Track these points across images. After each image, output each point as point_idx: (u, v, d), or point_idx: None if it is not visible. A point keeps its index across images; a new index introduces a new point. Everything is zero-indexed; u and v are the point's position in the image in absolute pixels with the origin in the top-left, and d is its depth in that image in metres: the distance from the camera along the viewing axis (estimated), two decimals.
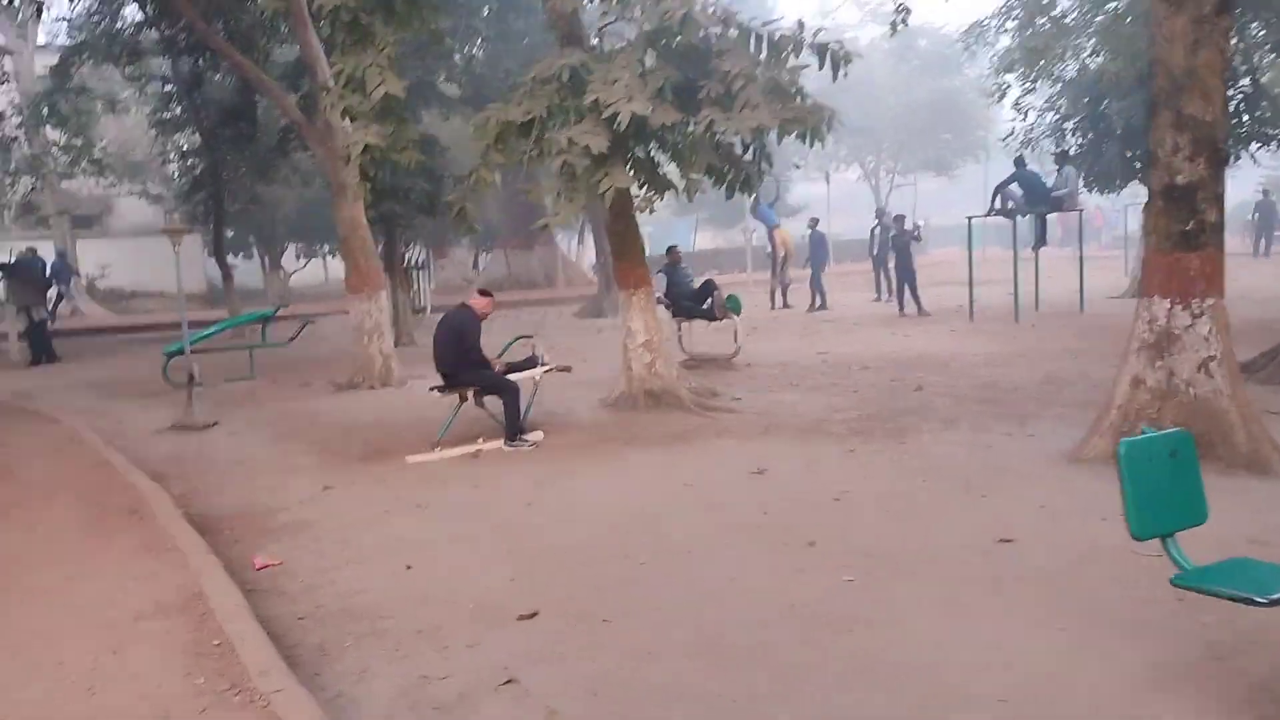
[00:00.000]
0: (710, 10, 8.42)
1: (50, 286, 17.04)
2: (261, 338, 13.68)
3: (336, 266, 43.31)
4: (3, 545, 5.55)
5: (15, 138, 20.32)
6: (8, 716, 3.44)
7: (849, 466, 6.97)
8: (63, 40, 20.98)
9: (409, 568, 5.35)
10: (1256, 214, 28.60)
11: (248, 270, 29.69)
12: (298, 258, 34.57)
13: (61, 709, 3.45)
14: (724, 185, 9.29)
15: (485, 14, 16.17)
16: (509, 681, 3.79)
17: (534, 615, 4.47)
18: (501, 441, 8.23)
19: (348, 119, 10.34)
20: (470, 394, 8.40)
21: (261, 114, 17.20)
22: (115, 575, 4.92)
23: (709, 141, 8.53)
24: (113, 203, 31.26)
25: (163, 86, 19.90)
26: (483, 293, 8.56)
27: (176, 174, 22.06)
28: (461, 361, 8.26)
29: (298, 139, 15.68)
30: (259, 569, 5.46)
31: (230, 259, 34.73)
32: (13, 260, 16.71)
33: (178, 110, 19.62)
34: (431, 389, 8.58)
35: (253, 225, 26.72)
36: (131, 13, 18.33)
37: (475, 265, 32.84)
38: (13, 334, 16.92)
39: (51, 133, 21.61)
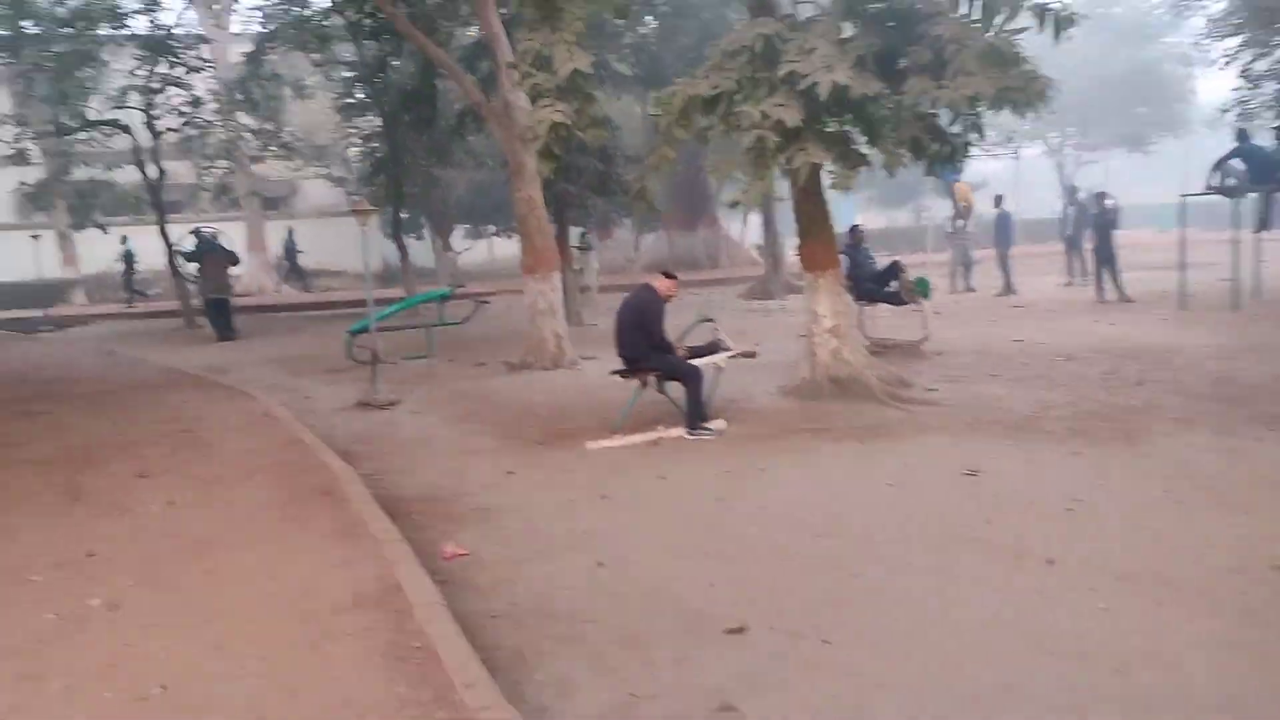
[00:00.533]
0: None
1: (235, 264, 17.85)
2: (438, 317, 13.84)
3: (502, 246, 44.30)
4: (207, 523, 5.58)
5: (213, 123, 21.36)
6: (219, 712, 3.32)
7: (1077, 471, 6.27)
8: (255, 29, 21.99)
9: (601, 565, 5.07)
10: None
11: (419, 250, 30.55)
12: (465, 238, 35.43)
13: (270, 710, 3.31)
14: (926, 159, 8.62)
15: None
16: (726, 708, 3.43)
17: (742, 630, 4.10)
18: (682, 429, 7.90)
19: (528, 99, 10.27)
20: (651, 379, 8.11)
21: (440, 97, 17.42)
22: (312, 561, 4.83)
23: (913, 112, 7.90)
24: (298, 185, 32.76)
25: (347, 72, 20.52)
26: (666, 274, 8.23)
27: (358, 157, 22.74)
28: (643, 345, 7.97)
29: (475, 120, 15.81)
30: (448, 558, 5.30)
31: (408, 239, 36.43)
32: (198, 243, 17.58)
33: (360, 95, 20.19)
34: (612, 373, 8.33)
35: (425, 207, 27.39)
36: (320, 0, 18.96)
37: (637, 246, 32.76)
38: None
39: (244, 118, 22.65)
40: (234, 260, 17.82)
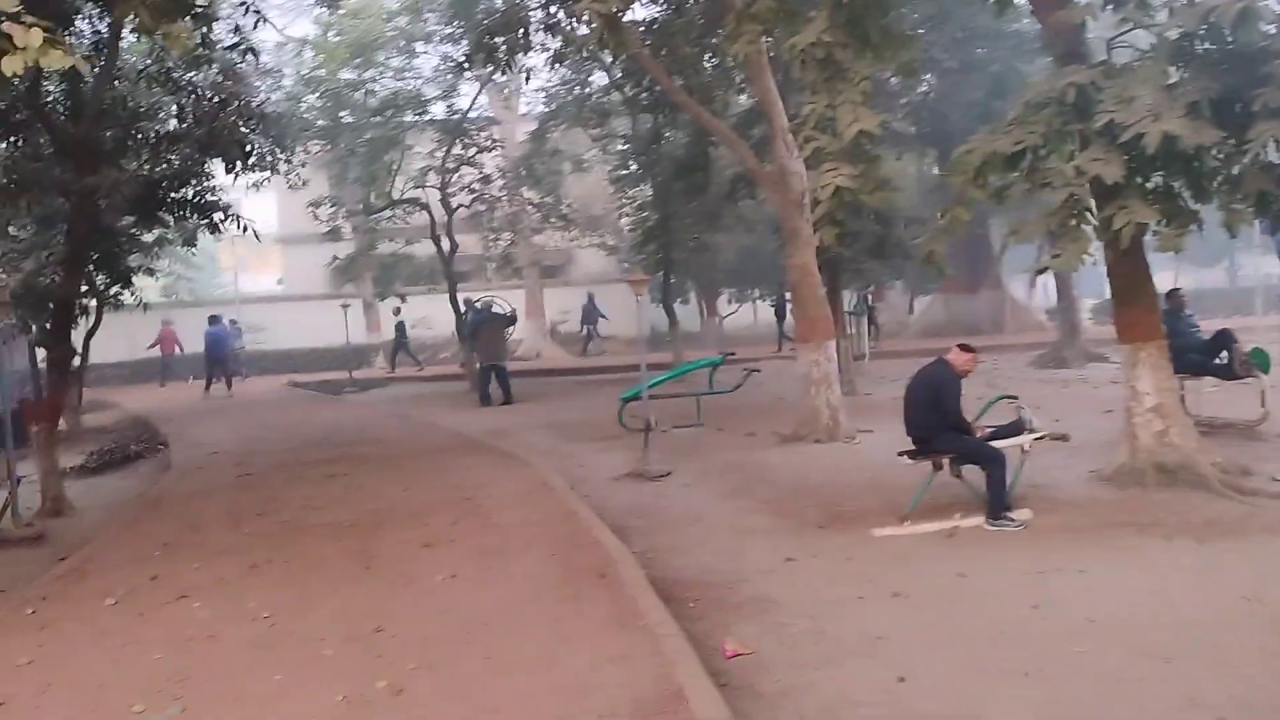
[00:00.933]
0: (1266, 2, 6.75)
1: (513, 324, 18.57)
2: (709, 384, 13.67)
3: (766, 311, 44.27)
4: (486, 600, 5.51)
5: (500, 198, 22.71)
6: None
7: None
8: (539, 109, 23.33)
9: (901, 680, 4.48)
10: None
11: (684, 315, 31.00)
12: (730, 302, 35.60)
13: None
14: (1270, 215, 7.44)
15: (947, 44, 15.15)
16: None
17: None
18: (982, 518, 7.11)
19: (803, 164, 9.95)
20: (945, 462, 7.39)
21: (710, 164, 17.53)
22: (589, 653, 4.58)
23: (1259, 164, 6.82)
24: (573, 254, 34.27)
25: (622, 145, 21.21)
26: (963, 347, 7.53)
27: (630, 226, 23.43)
28: (937, 425, 7.28)
29: (747, 186, 15.74)
30: (729, 657, 4.90)
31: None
32: (478, 312, 18.43)
33: (634, 166, 20.79)
34: (901, 454, 7.68)
35: (692, 272, 27.79)
36: (599, 79, 19.76)
37: (911, 309, 31.50)
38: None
39: (527, 192, 23.97)
40: (511, 321, 18.51)
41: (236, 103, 8.85)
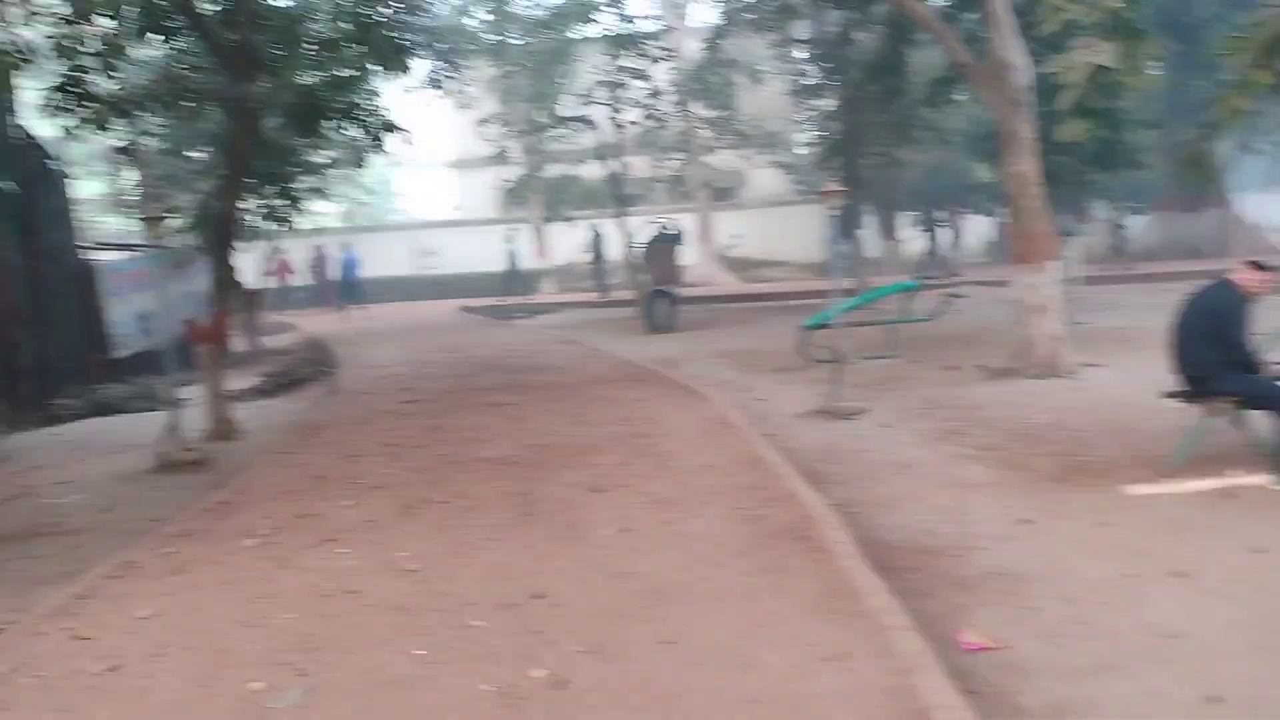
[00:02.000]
0: None
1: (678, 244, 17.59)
2: (902, 312, 12.31)
3: (947, 236, 41.48)
4: (663, 563, 4.61)
5: (670, 114, 21.59)
6: None
7: None
8: (710, 21, 21.86)
9: (1215, 699, 3.32)
10: None
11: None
12: (913, 225, 33.42)
13: None
14: None
15: None
16: None
17: None
18: (1272, 476, 5.70)
19: (1023, 55, 8.38)
20: (1225, 405, 5.97)
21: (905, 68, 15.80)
22: (795, 648, 3.62)
23: None
24: (745, 175, 32.82)
25: (803, 52, 19.62)
26: (1255, 265, 6.00)
27: (810, 141, 21.82)
28: (1218, 361, 5.85)
29: (948, 88, 14.05)
30: (969, 650, 3.84)
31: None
32: (652, 237, 17.51)
33: (817, 75, 19.20)
34: (1169, 395, 6.28)
35: (872, 191, 25.91)
36: None
37: (1119, 230, 28.57)
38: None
39: (698, 108, 22.72)
40: (676, 240, 17.54)
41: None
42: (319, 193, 17.96)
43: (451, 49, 18.26)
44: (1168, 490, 5.84)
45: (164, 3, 8.14)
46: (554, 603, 4.15)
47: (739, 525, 5.13)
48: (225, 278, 9.54)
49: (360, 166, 18.35)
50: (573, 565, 4.62)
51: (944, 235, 31.02)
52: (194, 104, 8.61)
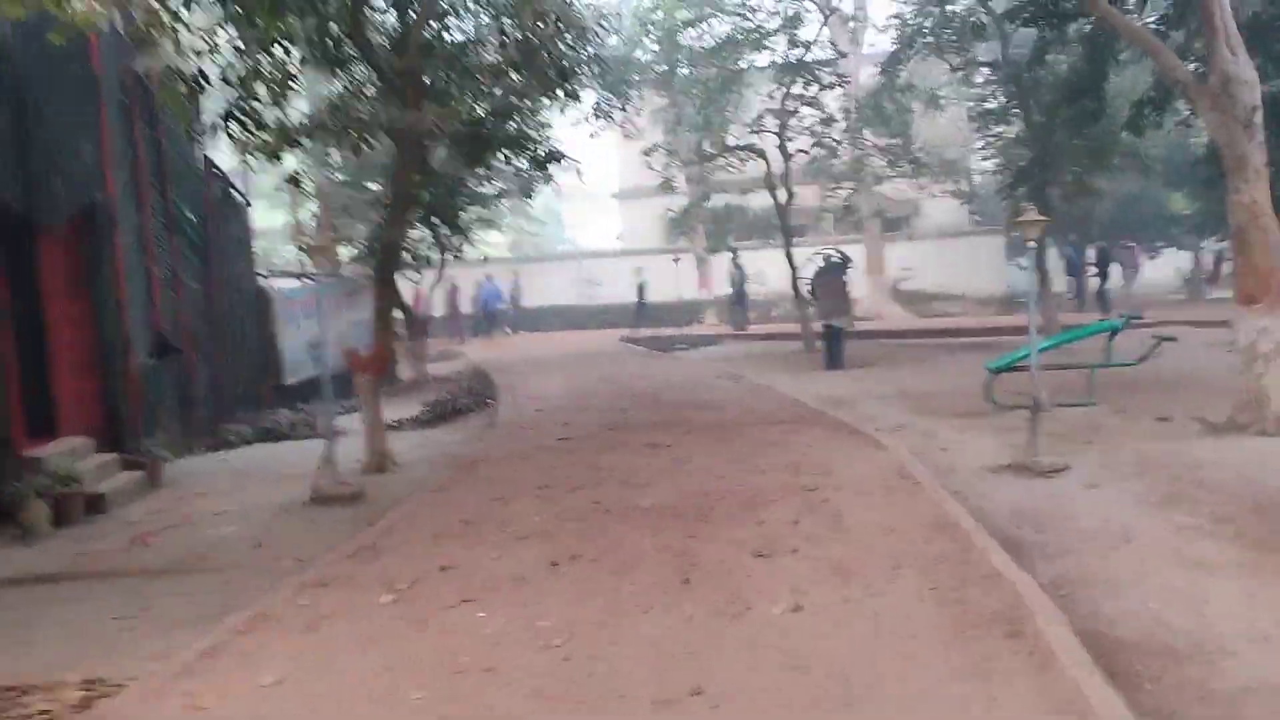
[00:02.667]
0: None
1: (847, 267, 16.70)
2: (1105, 355, 11.09)
3: (1149, 269, 38.63)
4: (843, 655, 3.94)
5: (841, 142, 20.80)
6: None
7: None
8: (885, 45, 20.96)
9: None
10: None
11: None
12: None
13: None
14: None
15: None
16: None
17: None
18: None
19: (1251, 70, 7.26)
20: None
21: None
22: None
23: None
24: (919, 205, 31.51)
25: (986, 75, 18.51)
26: None
27: (995, 168, 20.53)
28: None
29: (1157, 110, 12.76)
30: None
31: (1021, 262, 33.01)
32: (822, 265, 16.69)
33: (1001, 98, 18.04)
34: None
35: (1062, 221, 24.28)
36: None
37: None
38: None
39: (871, 135, 21.82)
40: (844, 268, 16.63)
41: (553, 19, 7.77)
42: (487, 223, 18.14)
43: (619, 79, 18.11)
44: None
45: (335, 32, 8.11)
46: (714, 701, 3.54)
47: (934, 609, 4.39)
48: (388, 307, 9.46)
49: (528, 197, 18.37)
50: (737, 650, 4.00)
51: (1118, 270, 28.69)
52: (362, 134, 8.54)
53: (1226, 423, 9.17)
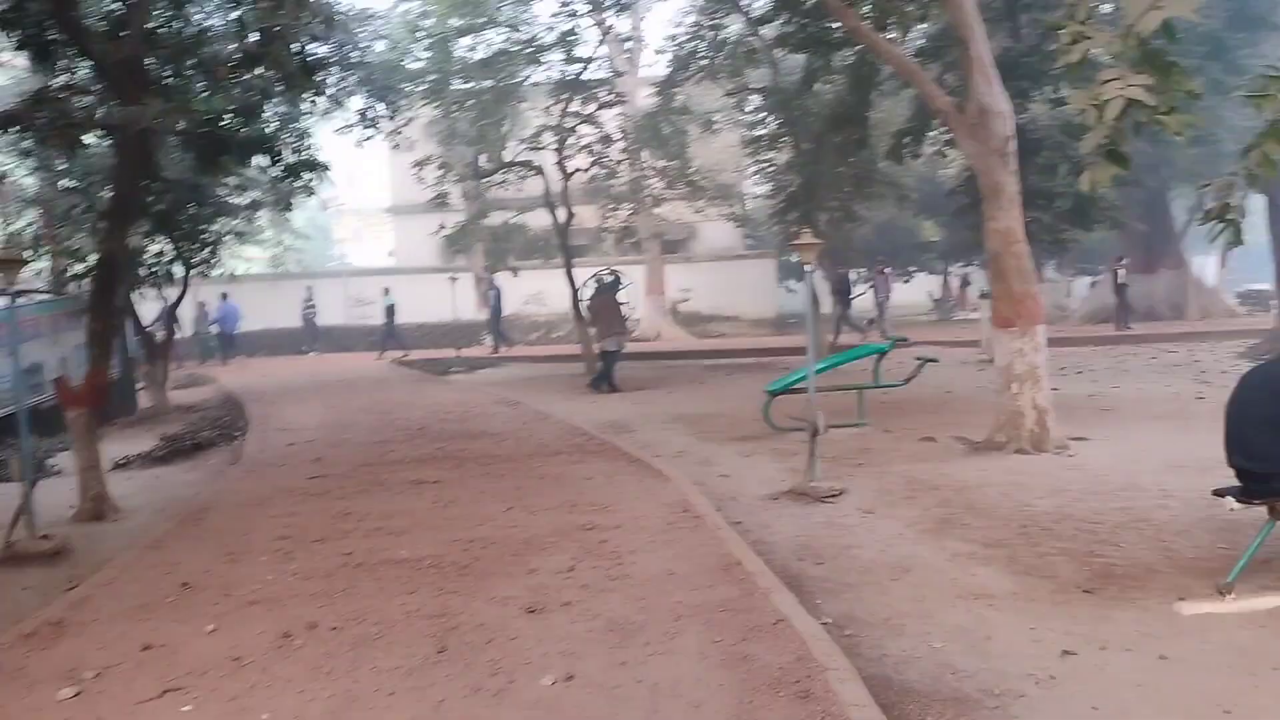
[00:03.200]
0: None
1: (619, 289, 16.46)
2: (874, 376, 11.30)
3: (900, 292, 41.00)
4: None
5: (620, 162, 20.67)
6: None
7: None
8: (663, 69, 21.02)
9: None
10: None
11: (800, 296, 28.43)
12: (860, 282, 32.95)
13: None
14: None
15: None
16: None
17: None
18: None
19: (1007, 101, 7.48)
20: None
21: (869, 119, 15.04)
22: None
23: None
24: (696, 228, 32.07)
25: (758, 101, 18.88)
26: None
27: (767, 193, 21.00)
28: None
29: (916, 140, 13.26)
30: None
31: (791, 285, 34.35)
32: (596, 288, 16.36)
33: (773, 124, 18.43)
34: (1222, 493, 5.26)
35: (825, 246, 25.31)
36: (734, 24, 17.44)
37: (1069, 292, 28.29)
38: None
39: (649, 157, 21.86)
40: (616, 287, 16.36)
41: (292, 3, 6.89)
42: (240, 236, 16.64)
43: (386, 85, 17.12)
44: (1226, 609, 4.81)
45: (34, 11, 6.90)
46: None
47: (718, 670, 3.95)
48: (105, 329, 8.19)
49: (286, 209, 17.00)
50: None
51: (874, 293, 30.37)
52: (71, 130, 7.31)
53: (986, 442, 9.46)
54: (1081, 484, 7.71)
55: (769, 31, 14.70)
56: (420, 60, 18.39)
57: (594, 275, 17.70)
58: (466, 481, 8.05)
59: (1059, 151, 11.44)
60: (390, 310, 25.49)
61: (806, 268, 7.76)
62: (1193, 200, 22.82)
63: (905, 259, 35.97)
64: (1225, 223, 6.21)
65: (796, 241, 7.76)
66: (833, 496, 7.61)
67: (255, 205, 16.71)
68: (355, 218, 51.78)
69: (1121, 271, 22.17)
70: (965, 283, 37.25)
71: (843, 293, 23.04)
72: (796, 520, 6.99)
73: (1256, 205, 27.07)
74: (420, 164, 18.63)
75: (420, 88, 18.30)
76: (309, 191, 17.30)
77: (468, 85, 18.69)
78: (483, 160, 20.16)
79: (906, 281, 38.73)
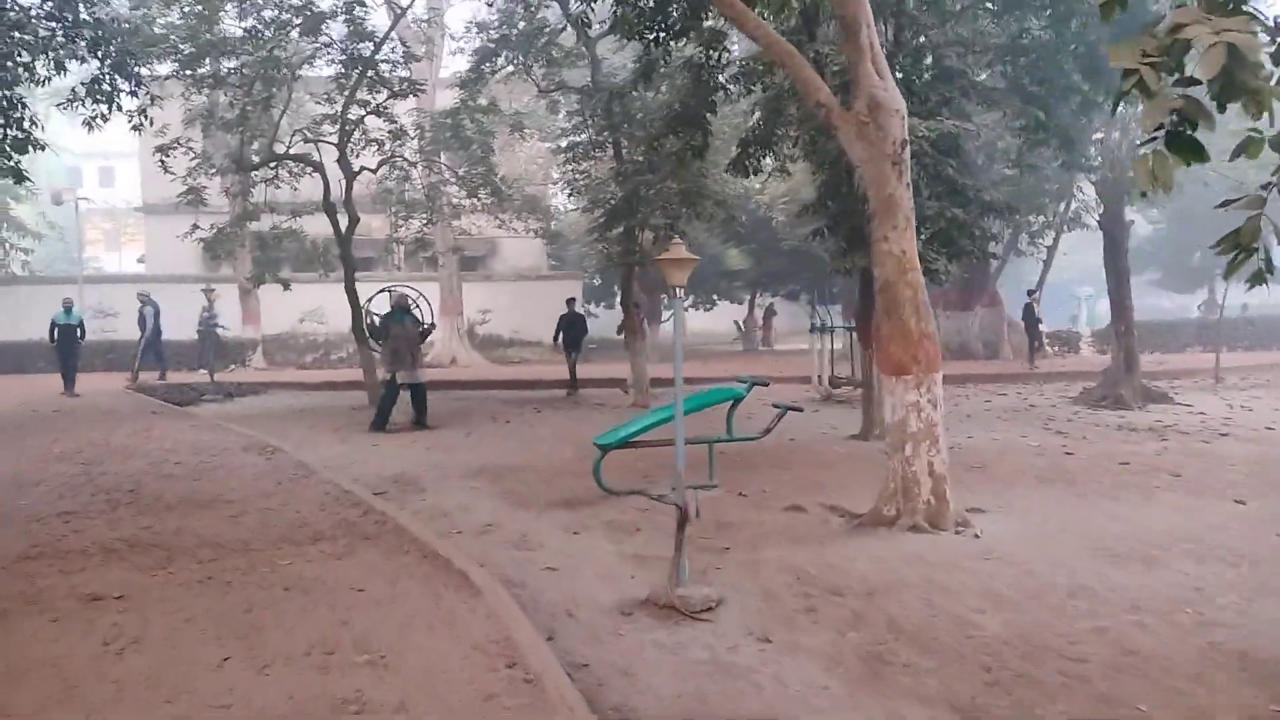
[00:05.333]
0: None
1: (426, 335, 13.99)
2: (727, 427, 9.30)
3: (701, 321, 40.03)
4: None
5: (415, 164, 18.03)
6: None
7: None
8: (460, 69, 18.56)
9: None
10: None
11: (610, 320, 26.58)
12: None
13: None
14: None
15: None
16: None
17: None
18: None
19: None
20: None
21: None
22: None
23: None
24: (498, 244, 29.64)
25: (574, 102, 16.83)
26: None
27: (583, 206, 18.84)
28: None
29: (759, 150, 11.54)
30: None
31: (591, 308, 32.37)
32: (387, 309, 13.80)
33: (589, 131, 16.38)
34: None
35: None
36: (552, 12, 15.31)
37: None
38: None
39: (448, 163, 19.34)
40: (427, 333, 13.99)
41: None
42: None
43: (125, 52, 13.83)
44: None
45: None
46: None
47: None
48: None
49: None
50: None
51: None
52: None
53: (871, 515, 7.66)
54: (1014, 583, 5.98)
55: (600, 11, 12.58)
56: (172, 21, 15.09)
57: (385, 289, 15.07)
58: (170, 595, 5.32)
59: (925, 169, 9.98)
60: (145, 319, 20.91)
61: (675, 288, 5.63)
62: (1008, 235, 22.65)
63: (709, 287, 34.96)
64: (1247, 253, 4.55)
65: (665, 257, 5.62)
66: (708, 611, 5.50)
67: None
68: (106, 218, 45.84)
69: (1036, 306, 21.87)
70: (769, 314, 36.68)
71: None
72: (668, 659, 4.81)
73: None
74: (165, 149, 15.29)
75: (171, 56, 15.00)
76: (18, 177, 13.74)
77: (232, 61, 15.54)
78: (250, 151, 17.02)
79: (708, 309, 37.84)
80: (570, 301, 19.11)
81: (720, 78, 11.79)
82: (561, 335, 18.15)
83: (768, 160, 12.62)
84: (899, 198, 7.61)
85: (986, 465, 10.10)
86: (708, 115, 11.88)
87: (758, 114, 12.34)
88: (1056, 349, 25.61)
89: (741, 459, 10.36)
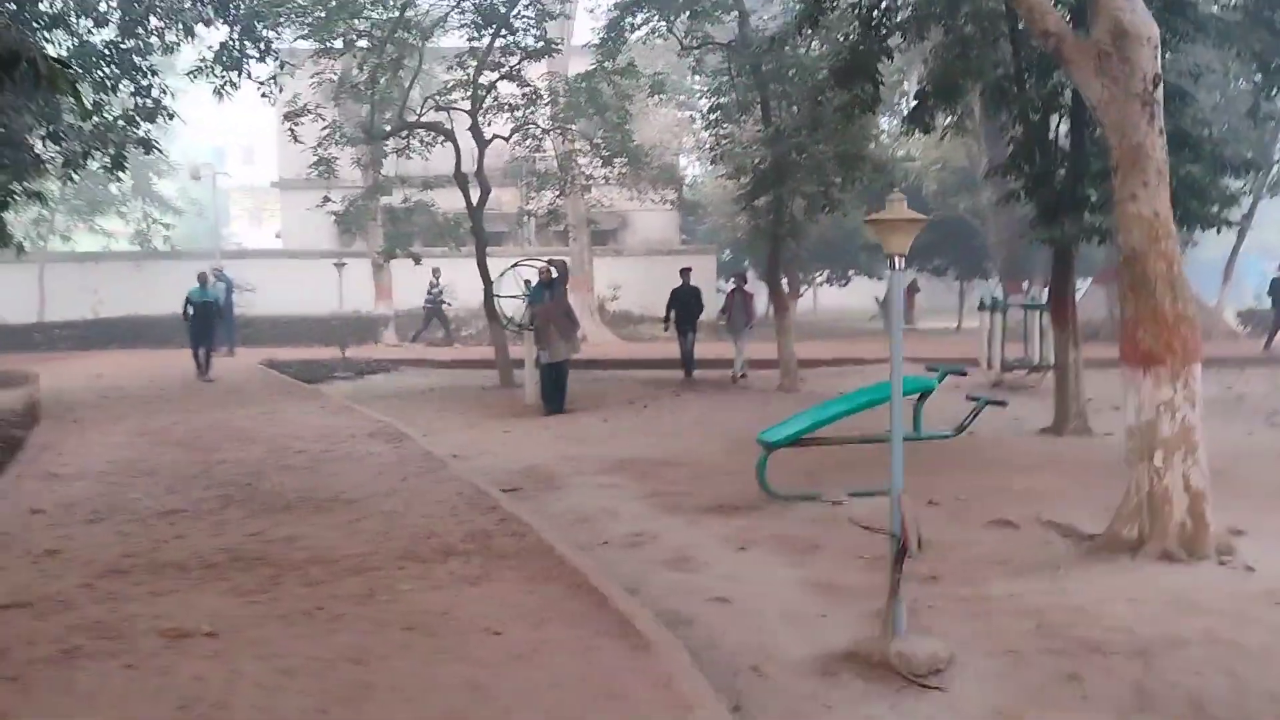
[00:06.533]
0: None
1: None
2: (914, 424, 7.94)
3: (835, 297, 38.10)
4: None
5: (547, 131, 17.07)
6: None
7: None
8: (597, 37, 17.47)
9: None
10: None
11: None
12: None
13: None
14: None
15: None
16: None
17: None
18: None
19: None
20: None
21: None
22: None
23: None
24: (629, 217, 28.59)
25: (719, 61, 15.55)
26: None
27: (728, 174, 17.47)
28: None
29: (944, 101, 10.04)
30: None
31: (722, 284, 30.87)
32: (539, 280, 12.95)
33: (738, 90, 15.06)
34: None
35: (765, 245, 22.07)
36: None
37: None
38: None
39: (581, 131, 18.34)
40: (553, 282, 13.00)
41: None
42: (37, 198, 12.65)
43: (254, 14, 13.30)
44: None
45: None
46: None
47: None
48: None
49: (117, 169, 13.02)
50: None
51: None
52: None
53: (1108, 537, 6.21)
54: None
55: None
56: None
57: (513, 266, 14.21)
58: (267, 635, 4.34)
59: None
60: (225, 294, 20.27)
61: (896, 258, 4.36)
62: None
63: (847, 261, 33.14)
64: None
65: (882, 216, 4.35)
66: (935, 674, 4.24)
67: (70, 162, 12.67)
68: (248, 195, 46.92)
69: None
70: (915, 288, 34.52)
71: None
72: None
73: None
74: (294, 115, 14.74)
75: (301, 20, 14.41)
76: (146, 146, 13.41)
77: (362, 24, 14.86)
78: (380, 121, 16.40)
79: (844, 285, 35.92)
80: (685, 272, 16.78)
81: (895, 19, 10.29)
82: (674, 314, 16.22)
83: (941, 118, 11.09)
84: (1150, 146, 6.09)
85: (1227, 471, 8.41)
86: (879, 64, 10.38)
87: (929, 64, 10.86)
88: (1247, 330, 22.96)
89: (921, 458, 8.93)
